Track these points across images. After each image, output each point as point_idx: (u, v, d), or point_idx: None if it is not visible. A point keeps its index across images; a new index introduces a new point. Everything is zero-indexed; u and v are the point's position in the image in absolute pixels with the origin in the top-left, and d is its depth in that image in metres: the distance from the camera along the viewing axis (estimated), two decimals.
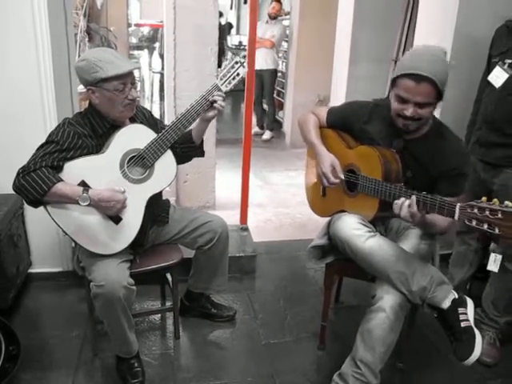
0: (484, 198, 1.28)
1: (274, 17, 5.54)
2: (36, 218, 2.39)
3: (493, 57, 2.04)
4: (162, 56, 6.54)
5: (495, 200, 1.25)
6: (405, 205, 1.46)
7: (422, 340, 2.18)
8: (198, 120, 1.85)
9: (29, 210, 2.36)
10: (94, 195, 1.61)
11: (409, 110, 1.58)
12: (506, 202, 1.23)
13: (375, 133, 1.77)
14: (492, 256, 1.92)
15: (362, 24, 3.51)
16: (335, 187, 1.85)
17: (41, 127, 2.24)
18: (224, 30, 9.07)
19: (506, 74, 1.92)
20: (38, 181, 1.56)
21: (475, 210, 1.27)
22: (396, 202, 1.49)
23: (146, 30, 6.94)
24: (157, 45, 6.68)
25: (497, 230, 1.22)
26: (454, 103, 2.50)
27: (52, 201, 1.62)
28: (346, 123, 1.88)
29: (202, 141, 1.99)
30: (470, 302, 1.63)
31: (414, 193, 1.50)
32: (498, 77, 1.95)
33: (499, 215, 1.22)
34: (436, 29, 2.57)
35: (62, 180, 1.61)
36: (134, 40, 6.60)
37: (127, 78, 1.66)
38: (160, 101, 6.00)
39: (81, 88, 2.63)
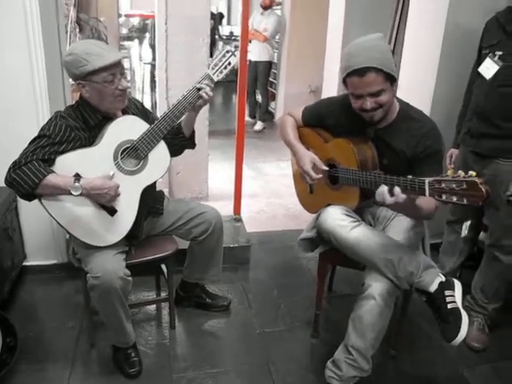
0: (449, 172, 1.31)
1: (265, 7, 5.49)
2: (30, 211, 2.39)
3: (483, 49, 2.06)
4: (152, 47, 6.50)
5: (460, 172, 1.28)
6: (385, 191, 1.44)
7: (413, 328, 2.22)
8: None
9: (22, 204, 2.36)
10: (85, 184, 1.62)
11: (367, 104, 1.61)
12: (470, 172, 1.26)
13: (347, 125, 1.80)
14: (464, 224, 1.95)
15: (354, 15, 3.52)
16: (320, 183, 1.88)
17: (33, 120, 2.23)
18: (215, 20, 9.00)
19: (496, 65, 1.95)
20: (29, 174, 1.57)
21: (443, 185, 1.30)
22: (377, 192, 1.48)
23: (136, 21, 6.89)
24: (147, 35, 6.64)
25: (465, 201, 1.25)
26: (445, 94, 2.54)
27: (45, 193, 1.62)
28: (319, 120, 1.92)
29: (193, 132, 2.00)
30: (457, 285, 1.66)
31: (388, 177, 1.53)
32: (488, 68, 1.98)
33: (464, 186, 1.25)
34: (427, 21, 2.59)
35: (53, 172, 1.61)
36: (124, 31, 6.54)
37: (116, 69, 1.66)
38: (151, 92, 5.97)
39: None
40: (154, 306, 2.35)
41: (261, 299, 2.44)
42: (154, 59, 6.09)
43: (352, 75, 1.59)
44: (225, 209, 2.97)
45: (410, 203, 1.44)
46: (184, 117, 1.91)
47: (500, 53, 1.94)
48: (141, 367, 1.91)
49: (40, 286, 2.46)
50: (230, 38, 9.35)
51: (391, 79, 1.60)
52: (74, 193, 1.60)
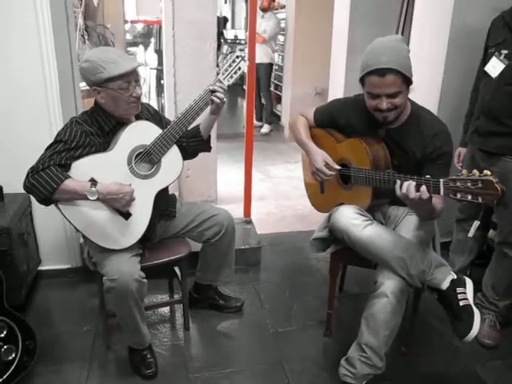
0: (464, 171, 1.34)
1: (264, 10, 5.52)
2: (44, 217, 2.44)
3: (489, 47, 2.08)
4: (157, 52, 6.58)
5: (474, 171, 1.31)
6: (412, 186, 1.47)
7: (425, 326, 2.23)
8: (206, 113, 1.89)
9: (37, 209, 2.41)
10: (101, 189, 1.66)
11: (383, 104, 1.64)
12: (485, 171, 1.29)
13: (359, 125, 1.83)
14: (473, 225, 1.97)
15: (359, 16, 3.53)
16: (331, 183, 1.92)
17: (46, 127, 2.29)
18: (220, 24, 9.06)
19: (502, 64, 1.97)
20: (47, 179, 1.61)
21: (458, 184, 1.34)
22: (403, 185, 1.51)
23: (140, 26, 6.96)
24: (152, 40, 6.71)
25: (480, 199, 1.29)
26: (452, 93, 2.55)
27: (62, 198, 1.66)
28: (331, 120, 1.95)
29: (210, 136, 2.03)
30: (468, 282, 1.69)
31: (401, 176, 1.56)
32: (494, 67, 2.00)
33: (479, 184, 1.28)
34: (433, 21, 2.61)
35: (70, 177, 1.65)
36: (128, 36, 6.61)
37: (131, 76, 1.70)
38: (157, 97, 6.02)
39: (82, 85, 2.66)
40: (168, 308, 2.38)
41: (273, 300, 2.47)
42: (159, 64, 6.16)
43: (372, 74, 1.61)
44: (234, 211, 2.98)
45: (428, 201, 1.47)
46: (203, 121, 1.96)
47: (506, 51, 1.96)
48: (157, 368, 1.94)
49: (55, 291, 2.50)
50: (235, 41, 9.40)
51: (408, 82, 1.63)
52: (90, 198, 1.64)
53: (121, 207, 1.72)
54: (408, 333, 2.03)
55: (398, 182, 1.52)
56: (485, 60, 2.09)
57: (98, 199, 1.66)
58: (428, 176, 1.46)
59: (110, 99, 1.71)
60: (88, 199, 1.64)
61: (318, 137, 2.00)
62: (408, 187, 1.47)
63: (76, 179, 1.66)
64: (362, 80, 1.68)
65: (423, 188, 1.44)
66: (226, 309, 2.34)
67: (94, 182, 1.66)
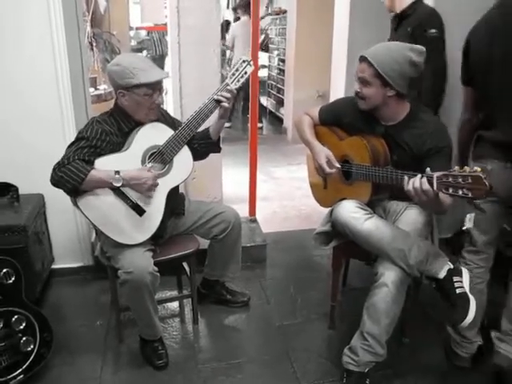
0: (457, 168, 1.43)
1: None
2: (57, 217, 2.53)
3: None
4: (154, 59, 6.74)
5: (466, 168, 1.40)
6: (425, 181, 1.54)
7: (425, 317, 2.31)
8: (215, 116, 1.99)
9: (50, 208, 2.51)
10: (125, 175, 1.77)
11: (356, 86, 1.82)
12: (475, 168, 1.38)
13: (360, 123, 1.94)
14: (467, 216, 2.00)
15: (359, 19, 3.61)
16: (334, 178, 2.02)
17: (59, 131, 2.39)
18: (222, 28, 9.15)
19: None
20: (74, 171, 1.71)
21: (450, 179, 1.43)
22: (415, 179, 1.58)
23: (144, 33, 7.09)
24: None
25: (470, 194, 1.38)
26: (450, 95, 2.63)
27: (89, 187, 1.76)
28: (335, 118, 2.06)
29: (219, 138, 2.12)
30: (465, 272, 1.77)
31: (399, 172, 1.67)
32: None
33: (469, 180, 1.37)
34: None
35: (94, 168, 1.76)
36: (133, 42, 6.74)
37: (156, 85, 1.82)
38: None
39: (91, 91, 2.76)
40: (177, 303, 2.47)
41: (278, 294, 2.55)
42: (161, 69, 6.28)
43: (359, 59, 1.81)
44: (240, 211, 3.04)
45: (435, 197, 1.55)
46: (212, 124, 2.05)
47: None
48: (168, 359, 2.02)
49: (68, 288, 2.60)
50: None
51: (383, 81, 1.75)
52: (116, 184, 1.75)
53: (145, 192, 1.82)
54: (408, 323, 2.11)
55: (406, 178, 1.61)
56: None
57: (122, 185, 1.76)
58: (428, 169, 1.54)
59: (134, 103, 1.82)
60: (114, 186, 1.75)
61: (322, 134, 2.10)
62: (414, 183, 1.56)
63: (100, 169, 1.77)
64: None
65: (424, 180, 1.53)
66: (233, 303, 2.43)
67: (116, 171, 1.77)
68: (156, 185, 1.83)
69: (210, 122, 2.05)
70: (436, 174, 1.48)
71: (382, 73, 1.74)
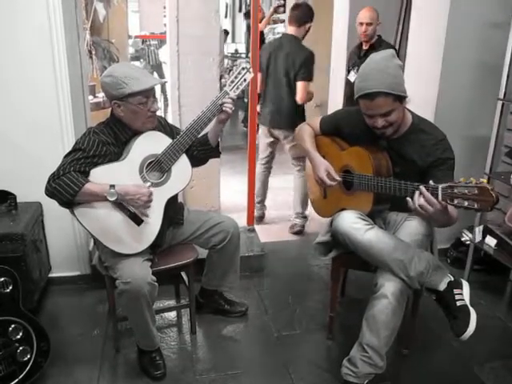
0: (462, 179, 1.43)
1: None
2: (54, 225, 2.52)
3: None
4: (152, 67, 6.79)
5: (471, 179, 1.40)
6: (419, 197, 1.54)
7: (424, 328, 2.30)
8: (213, 122, 1.99)
9: (47, 217, 2.49)
10: (120, 190, 1.75)
11: (378, 122, 1.76)
12: (481, 179, 1.39)
13: (362, 135, 1.93)
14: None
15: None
16: (334, 188, 2.01)
17: (58, 140, 2.38)
18: (221, 38, 9.19)
19: None
20: (68, 183, 1.70)
21: (455, 190, 1.43)
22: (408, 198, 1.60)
23: (141, 41, 7.12)
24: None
25: (476, 206, 1.38)
26: (448, 105, 2.65)
27: (83, 200, 1.75)
28: (336, 129, 2.06)
29: (218, 143, 2.12)
30: (465, 284, 1.77)
31: (403, 182, 1.67)
32: None
33: (475, 191, 1.37)
34: (427, 36, 2.72)
35: (90, 181, 1.75)
36: (131, 50, 6.76)
37: (150, 92, 1.81)
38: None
39: (89, 99, 2.76)
40: (175, 313, 2.45)
41: (276, 305, 2.54)
42: (160, 77, 6.31)
43: (362, 98, 1.73)
44: (237, 221, 3.05)
45: (444, 210, 1.54)
46: (211, 129, 2.04)
47: None
48: (165, 370, 2.01)
49: (65, 297, 2.58)
50: (235, 55, 9.53)
51: (400, 98, 1.73)
52: (110, 198, 1.73)
53: (139, 208, 1.80)
54: (408, 335, 2.10)
55: (410, 200, 1.58)
56: None
57: (116, 199, 1.75)
58: (431, 182, 1.54)
59: (130, 113, 1.81)
60: (108, 200, 1.74)
61: (323, 145, 2.10)
62: (419, 197, 1.54)
63: (95, 183, 1.75)
64: (357, 101, 1.79)
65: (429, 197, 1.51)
66: (231, 313, 2.41)
67: (111, 185, 1.75)
68: (150, 201, 1.82)
69: (208, 127, 2.04)
70: (441, 185, 1.48)
71: (397, 93, 1.70)
